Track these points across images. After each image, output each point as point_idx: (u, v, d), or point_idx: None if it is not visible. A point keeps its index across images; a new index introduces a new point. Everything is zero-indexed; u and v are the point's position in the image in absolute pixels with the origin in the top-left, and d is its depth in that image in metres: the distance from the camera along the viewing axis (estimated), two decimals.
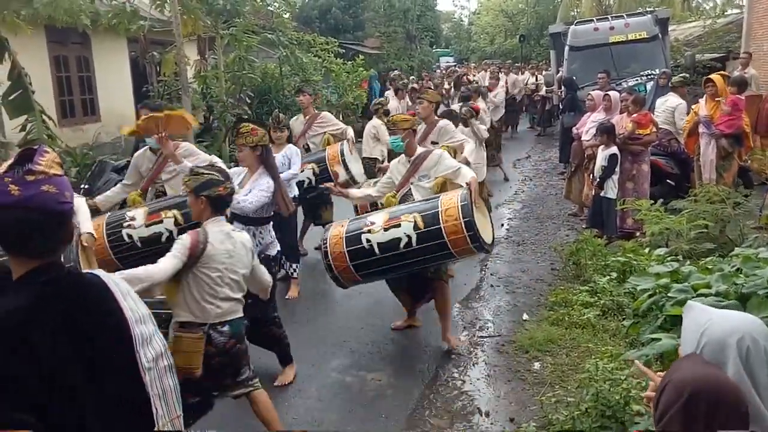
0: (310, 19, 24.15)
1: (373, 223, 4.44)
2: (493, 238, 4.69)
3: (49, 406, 1.46)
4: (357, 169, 6.65)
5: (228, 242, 3.22)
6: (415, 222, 4.33)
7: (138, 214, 4.68)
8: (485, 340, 5.05)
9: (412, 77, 18.27)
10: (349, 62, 17.12)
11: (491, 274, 6.53)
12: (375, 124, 8.09)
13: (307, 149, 6.87)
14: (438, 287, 4.86)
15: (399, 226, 4.35)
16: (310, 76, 14.66)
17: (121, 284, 1.72)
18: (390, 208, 4.72)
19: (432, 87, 13.31)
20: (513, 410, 4.00)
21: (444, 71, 25.32)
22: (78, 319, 1.57)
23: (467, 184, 4.42)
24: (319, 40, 16.94)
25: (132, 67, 12.86)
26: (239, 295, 3.31)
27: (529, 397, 4.12)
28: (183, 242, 3.12)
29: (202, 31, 11.57)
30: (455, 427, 3.87)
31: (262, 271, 3.53)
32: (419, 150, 4.92)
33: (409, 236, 4.31)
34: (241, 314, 3.34)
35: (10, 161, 1.55)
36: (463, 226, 4.22)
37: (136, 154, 5.27)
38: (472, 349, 4.89)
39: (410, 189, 4.85)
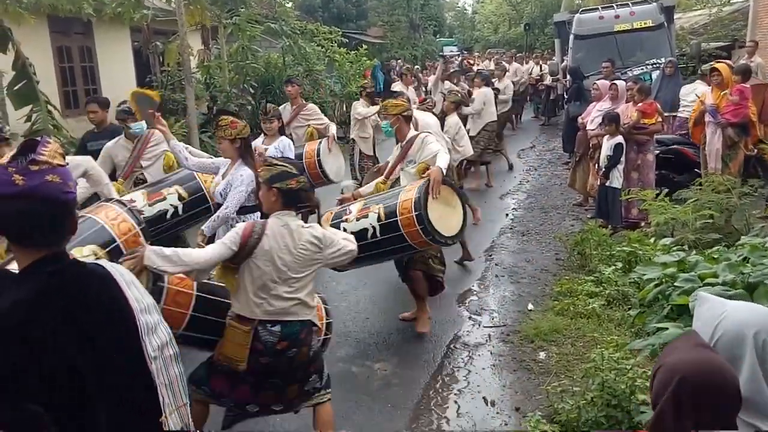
0: (313, 8, 24.06)
1: (350, 212, 4.54)
2: (462, 228, 4.60)
3: (56, 396, 1.47)
4: (334, 167, 6.61)
5: (289, 238, 3.06)
6: (379, 213, 4.40)
7: (136, 196, 4.59)
8: (490, 330, 5.05)
9: (416, 66, 18.18)
10: (353, 52, 17.06)
11: (496, 264, 6.53)
12: (355, 104, 8.30)
13: (292, 140, 6.79)
14: (413, 277, 4.93)
15: (367, 216, 4.44)
16: (313, 65, 14.62)
17: (126, 274, 1.72)
18: (369, 197, 4.80)
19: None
20: (518, 400, 4.02)
21: (445, 59, 25.24)
22: (83, 309, 1.58)
23: (428, 174, 4.43)
24: (322, 29, 16.88)
25: (135, 57, 12.82)
26: (300, 296, 3.10)
27: (535, 386, 4.13)
28: (237, 230, 3.04)
29: (206, 20, 11.55)
30: (461, 417, 3.88)
31: (346, 247, 3.27)
32: (409, 135, 4.91)
33: (374, 227, 4.39)
34: (303, 318, 3.13)
35: (13, 152, 1.56)
36: (415, 219, 4.27)
37: (109, 145, 5.18)
38: (477, 339, 4.90)
39: (400, 175, 4.88)
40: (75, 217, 1.66)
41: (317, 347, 3.32)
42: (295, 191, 3.11)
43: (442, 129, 7.02)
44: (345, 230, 4.27)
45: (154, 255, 2.82)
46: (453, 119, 7.81)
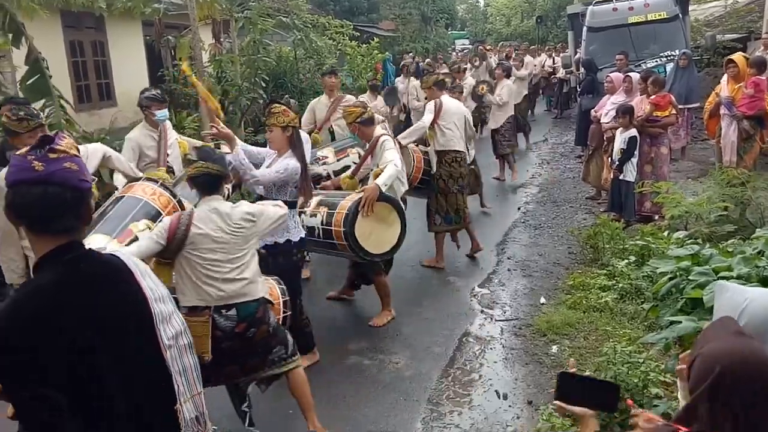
0: (325, 1, 24.00)
1: (309, 205, 4.69)
2: (395, 247, 4.69)
3: (74, 384, 1.49)
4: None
5: (221, 220, 3.13)
6: (323, 217, 4.57)
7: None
8: (502, 323, 5.04)
9: (427, 60, 18.11)
10: (364, 45, 17.01)
11: (508, 258, 6.50)
12: (360, 97, 8.36)
13: (332, 134, 6.73)
14: (374, 281, 5.06)
15: (315, 216, 4.62)
16: (325, 59, 14.58)
17: (140, 264, 1.76)
18: (327, 194, 4.94)
19: (445, 68, 13.19)
20: (531, 393, 4.01)
21: (459, 53, 25.13)
22: (100, 296, 1.61)
23: (363, 190, 4.57)
24: (333, 23, 16.83)
25: (147, 52, 12.87)
26: (248, 275, 3.19)
27: (547, 380, 4.12)
28: (164, 224, 3.12)
29: (218, 14, 11.55)
30: (473, 409, 3.88)
31: (274, 215, 3.39)
32: (374, 135, 4.99)
33: (318, 229, 4.60)
34: (255, 296, 3.21)
35: (30, 145, 1.60)
36: (343, 234, 4.45)
37: (132, 135, 5.11)
38: (489, 333, 4.89)
39: (369, 174, 4.94)
40: (91, 206, 1.69)
41: (276, 324, 3.37)
42: (194, 177, 3.22)
43: None
44: (303, 221, 4.48)
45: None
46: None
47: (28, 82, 7.43)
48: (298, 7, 14.15)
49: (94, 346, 1.53)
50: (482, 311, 5.28)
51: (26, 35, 7.48)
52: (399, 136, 5.86)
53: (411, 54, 18.95)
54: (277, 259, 4.03)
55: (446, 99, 6.29)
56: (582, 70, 11.53)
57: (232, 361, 3.23)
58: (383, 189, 4.58)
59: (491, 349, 4.63)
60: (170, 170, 4.93)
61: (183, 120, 10.27)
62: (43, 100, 7.46)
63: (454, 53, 26.55)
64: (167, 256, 3.10)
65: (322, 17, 16.98)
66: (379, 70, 16.90)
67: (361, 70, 16.17)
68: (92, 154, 4.24)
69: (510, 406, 3.90)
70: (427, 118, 6.03)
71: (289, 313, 3.66)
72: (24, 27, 7.52)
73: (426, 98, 6.70)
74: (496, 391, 4.06)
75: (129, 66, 12.34)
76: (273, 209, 3.42)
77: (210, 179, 3.22)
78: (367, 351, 4.65)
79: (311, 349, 4.44)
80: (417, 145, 6.18)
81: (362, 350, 4.67)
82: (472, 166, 7.16)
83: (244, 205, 3.29)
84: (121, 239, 3.58)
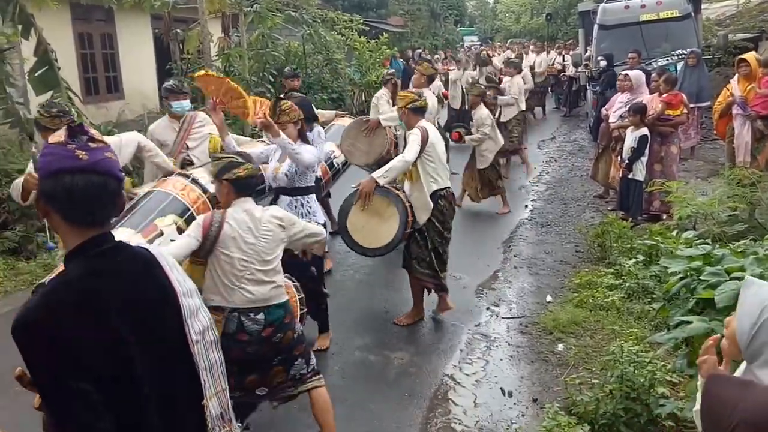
0: None
1: None
2: (392, 242, 4.56)
3: (109, 378, 1.47)
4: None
5: (251, 221, 3.14)
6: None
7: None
8: (508, 321, 5.01)
9: (436, 56, 18.07)
10: (373, 40, 16.97)
11: (515, 256, 6.47)
12: (379, 94, 8.15)
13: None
14: (411, 277, 4.96)
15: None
16: (333, 54, 14.57)
17: (168, 257, 1.74)
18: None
19: (453, 64, 13.10)
20: (536, 391, 3.98)
21: (466, 50, 25.05)
22: (133, 289, 1.58)
23: (359, 184, 4.59)
24: (342, 17, 16.81)
25: (155, 44, 12.87)
26: (277, 280, 3.20)
27: (553, 378, 4.10)
28: (198, 222, 3.12)
29: (227, 8, 11.54)
30: (478, 407, 3.85)
31: (310, 228, 3.42)
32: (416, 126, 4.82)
33: None
34: (281, 300, 3.21)
35: (62, 135, 1.54)
36: (339, 223, 4.58)
37: (153, 127, 5.11)
38: (495, 330, 4.86)
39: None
40: (123, 196, 1.68)
41: (301, 331, 3.36)
42: (244, 179, 3.20)
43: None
44: None
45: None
46: (482, 112, 7.72)
47: (37, 74, 7.45)
48: (308, 1, 14.13)
49: (128, 340, 1.51)
50: (488, 308, 5.26)
51: (36, 26, 7.49)
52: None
53: (419, 51, 18.89)
54: None
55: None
56: (598, 65, 11.37)
57: (255, 369, 3.17)
58: (382, 182, 4.53)
59: (497, 346, 4.61)
60: (189, 163, 4.92)
61: None
62: (51, 92, 7.47)
63: (462, 50, 26.44)
64: (201, 255, 3.10)
65: (331, 12, 16.95)
66: (387, 65, 16.87)
67: (369, 66, 16.15)
68: (126, 143, 4.23)
69: (515, 404, 3.88)
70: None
71: (306, 310, 3.69)
72: (34, 18, 7.53)
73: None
74: (501, 388, 4.04)
75: (137, 59, 12.35)
76: (315, 225, 3.54)
77: (253, 181, 3.30)
78: (372, 347, 4.64)
79: (325, 331, 4.56)
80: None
81: (368, 346, 4.65)
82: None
83: (273, 209, 3.33)
84: (145, 234, 3.58)
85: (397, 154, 5.41)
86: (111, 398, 1.46)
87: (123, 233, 3.48)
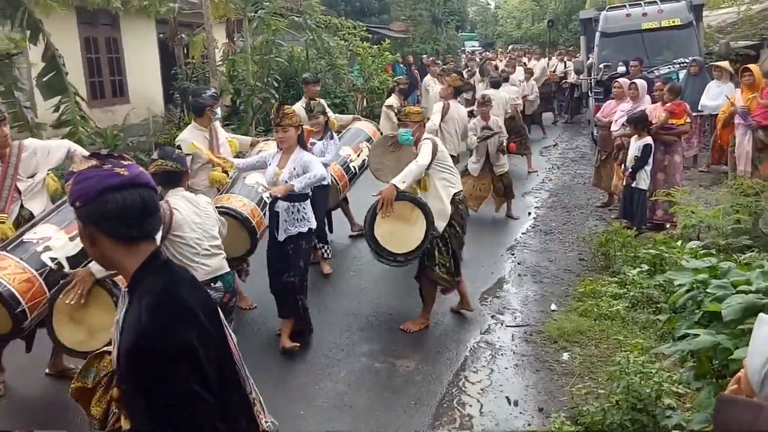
0: (336, 1, 24.02)
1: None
2: (421, 245, 4.63)
3: (214, 380, 1.53)
4: None
5: (191, 204, 3.67)
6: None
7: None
8: (513, 329, 5.04)
9: (438, 61, 18.09)
10: (375, 46, 17.02)
11: (519, 264, 6.50)
12: (389, 101, 8.24)
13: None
14: (421, 279, 5.01)
15: None
16: (336, 59, 14.62)
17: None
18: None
19: (453, 69, 13.15)
20: (542, 400, 4.00)
21: (468, 55, 25.08)
22: (201, 295, 1.68)
23: (379, 192, 4.63)
24: (346, 23, 16.86)
25: (160, 49, 12.92)
26: (221, 251, 3.77)
27: (558, 387, 4.12)
28: None
29: (232, 13, 11.59)
30: (484, 415, 3.88)
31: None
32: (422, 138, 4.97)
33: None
34: (228, 269, 3.79)
35: (91, 162, 1.58)
36: (365, 237, 4.70)
37: (185, 136, 5.06)
38: (500, 339, 4.89)
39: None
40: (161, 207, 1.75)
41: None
42: (170, 172, 3.65)
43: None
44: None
45: (95, 268, 3.32)
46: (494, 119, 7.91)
47: (45, 79, 7.50)
48: (311, 7, 14.18)
49: (216, 342, 1.59)
50: (493, 317, 5.28)
51: (44, 32, 7.54)
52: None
53: (432, 58, 18.90)
54: (301, 244, 4.56)
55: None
56: (596, 74, 11.45)
57: None
58: (402, 187, 4.57)
59: (502, 355, 4.63)
60: (224, 171, 5.01)
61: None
62: (59, 97, 7.52)
63: (463, 55, 26.48)
64: None
65: (334, 18, 17.01)
66: (389, 71, 16.92)
67: (372, 71, 16.19)
68: (56, 148, 4.31)
69: (521, 413, 3.90)
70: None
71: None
72: (42, 24, 7.57)
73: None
74: (506, 397, 4.06)
75: (142, 63, 12.39)
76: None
77: (170, 175, 3.66)
78: (377, 354, 4.66)
79: (305, 333, 4.74)
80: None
81: (373, 353, 4.68)
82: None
83: (201, 196, 3.90)
84: (69, 230, 3.68)
85: None
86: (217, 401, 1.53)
87: (48, 230, 3.66)
